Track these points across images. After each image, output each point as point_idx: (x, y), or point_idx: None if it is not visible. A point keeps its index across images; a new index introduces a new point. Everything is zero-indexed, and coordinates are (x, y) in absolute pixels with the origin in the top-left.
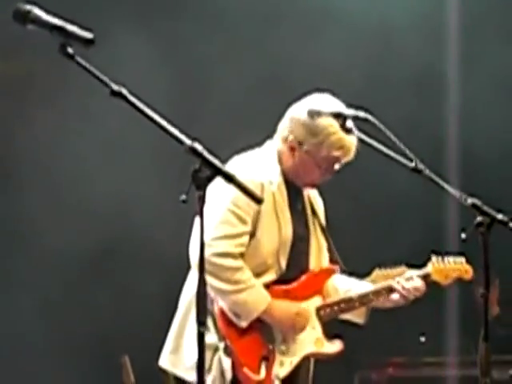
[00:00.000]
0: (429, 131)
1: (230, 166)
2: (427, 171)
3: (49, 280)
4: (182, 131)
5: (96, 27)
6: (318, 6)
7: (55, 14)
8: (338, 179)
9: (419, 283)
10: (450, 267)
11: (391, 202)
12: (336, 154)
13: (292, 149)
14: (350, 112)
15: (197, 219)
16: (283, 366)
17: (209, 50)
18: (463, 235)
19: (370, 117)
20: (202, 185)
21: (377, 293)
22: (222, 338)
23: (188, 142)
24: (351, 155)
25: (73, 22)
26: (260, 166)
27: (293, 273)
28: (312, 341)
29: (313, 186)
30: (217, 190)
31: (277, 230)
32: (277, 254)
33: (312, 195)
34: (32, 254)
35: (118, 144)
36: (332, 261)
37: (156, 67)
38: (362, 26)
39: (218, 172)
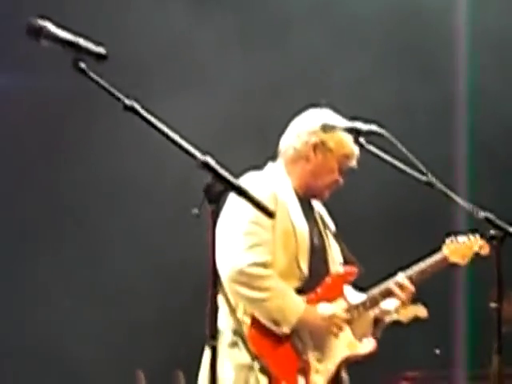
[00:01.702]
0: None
1: (242, 182)
2: (440, 185)
3: None
4: (194, 145)
5: None
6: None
7: (67, 29)
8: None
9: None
10: (465, 245)
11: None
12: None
13: (315, 148)
14: (364, 126)
15: (218, 233)
16: (319, 374)
17: None
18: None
19: (382, 131)
20: (214, 199)
21: (399, 284)
22: (255, 357)
23: (200, 156)
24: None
25: (86, 37)
26: (271, 179)
27: (314, 281)
28: (345, 344)
29: (329, 188)
30: (236, 203)
31: (293, 236)
32: (296, 260)
33: (319, 209)
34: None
35: None
36: (349, 264)
37: None
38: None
39: (231, 186)
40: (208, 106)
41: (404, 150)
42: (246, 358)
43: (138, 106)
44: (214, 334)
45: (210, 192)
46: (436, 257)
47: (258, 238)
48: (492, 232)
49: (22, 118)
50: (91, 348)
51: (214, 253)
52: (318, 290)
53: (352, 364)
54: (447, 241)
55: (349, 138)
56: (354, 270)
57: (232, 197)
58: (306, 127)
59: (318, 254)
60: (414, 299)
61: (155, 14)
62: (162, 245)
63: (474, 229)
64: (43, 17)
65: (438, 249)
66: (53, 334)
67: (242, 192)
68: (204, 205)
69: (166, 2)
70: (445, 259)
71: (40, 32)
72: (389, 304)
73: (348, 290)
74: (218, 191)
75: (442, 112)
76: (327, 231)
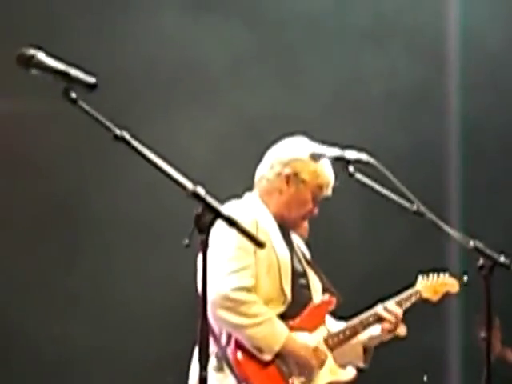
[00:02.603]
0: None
1: (229, 207)
2: (429, 214)
3: None
4: (184, 175)
5: None
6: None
7: (58, 58)
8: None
9: (397, 310)
10: (436, 283)
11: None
12: (325, 183)
13: (288, 180)
14: (352, 155)
15: (199, 261)
16: None
17: None
18: (465, 278)
19: (371, 160)
20: (204, 229)
21: (376, 315)
22: (241, 381)
23: (190, 186)
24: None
25: (76, 66)
26: (251, 208)
27: (297, 307)
28: (327, 370)
29: (304, 219)
30: (221, 229)
31: (276, 262)
32: (280, 285)
33: (297, 241)
34: None
35: None
36: (328, 292)
37: None
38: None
39: (220, 216)
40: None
41: (393, 179)
42: (232, 383)
43: (128, 137)
44: (206, 364)
45: (199, 222)
46: (410, 291)
47: (243, 263)
48: (481, 261)
49: None
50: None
51: (205, 282)
52: (301, 316)
53: None
54: (419, 277)
55: (324, 167)
56: (333, 299)
57: (218, 223)
58: (279, 158)
59: (299, 279)
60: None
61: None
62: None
63: (444, 268)
64: (34, 45)
65: (411, 285)
66: None
67: (232, 222)
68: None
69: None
70: (418, 294)
71: (30, 61)
72: (374, 330)
73: (327, 318)
74: (207, 221)
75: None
76: (306, 260)
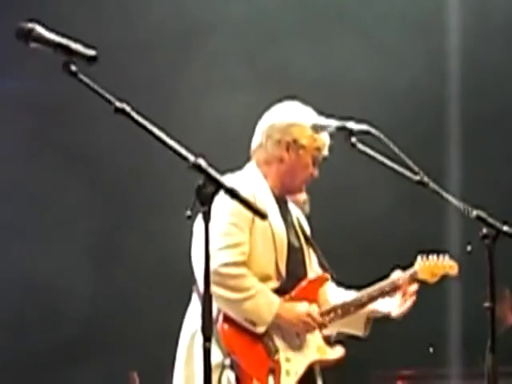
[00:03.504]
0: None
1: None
2: (432, 183)
3: None
4: (185, 147)
5: None
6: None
7: (57, 32)
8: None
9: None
10: (435, 264)
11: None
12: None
13: (288, 147)
14: (355, 126)
15: (195, 233)
16: (289, 376)
17: None
18: (469, 248)
19: (374, 130)
20: (206, 201)
21: (369, 295)
22: (226, 354)
23: (192, 158)
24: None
25: (75, 40)
26: (248, 181)
27: (291, 282)
28: (314, 349)
29: (306, 183)
30: (216, 204)
31: (271, 238)
32: (275, 261)
33: (296, 213)
34: None
35: None
36: (322, 268)
37: None
38: None
39: (223, 188)
40: None
41: (396, 149)
42: (218, 357)
43: (128, 109)
44: (209, 335)
45: (201, 194)
46: (407, 272)
47: (234, 239)
48: (484, 231)
49: None
50: None
51: (207, 253)
52: (293, 292)
53: (345, 363)
54: (418, 258)
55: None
56: (324, 276)
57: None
58: (276, 125)
59: (295, 255)
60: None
61: None
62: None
63: (444, 250)
64: (33, 20)
65: (409, 265)
66: None
67: (234, 194)
68: (196, 206)
69: None
70: (415, 275)
71: (29, 35)
72: (386, 305)
73: (333, 288)
74: (209, 193)
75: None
76: (303, 233)
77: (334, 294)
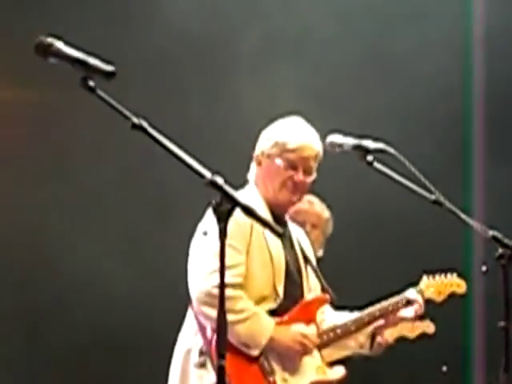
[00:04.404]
0: None
1: None
2: (448, 203)
3: None
4: (202, 164)
5: None
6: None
7: (76, 47)
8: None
9: (421, 300)
10: (442, 283)
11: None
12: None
13: (259, 162)
14: (371, 144)
15: (192, 253)
16: None
17: None
18: (484, 268)
19: (390, 149)
20: (222, 218)
21: (371, 315)
22: None
23: (208, 175)
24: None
25: (94, 55)
26: (247, 200)
27: (289, 303)
28: (313, 369)
29: (288, 191)
30: (209, 224)
31: (269, 258)
32: (273, 282)
33: (297, 234)
34: None
35: None
36: (323, 290)
37: None
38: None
39: (239, 205)
40: None
41: (412, 168)
42: (213, 379)
43: (146, 125)
44: (224, 352)
45: (218, 211)
46: (412, 291)
47: (230, 261)
48: (500, 251)
49: None
50: None
51: (222, 272)
52: (290, 313)
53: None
54: (424, 277)
55: (290, 132)
56: (324, 297)
57: (206, 216)
58: (260, 143)
59: (292, 276)
60: (422, 316)
61: None
62: None
63: (451, 268)
64: (52, 35)
65: (415, 283)
66: None
67: (249, 211)
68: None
69: None
70: (421, 293)
71: (48, 49)
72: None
73: (329, 311)
74: (225, 210)
75: None
76: (302, 253)
77: (334, 316)
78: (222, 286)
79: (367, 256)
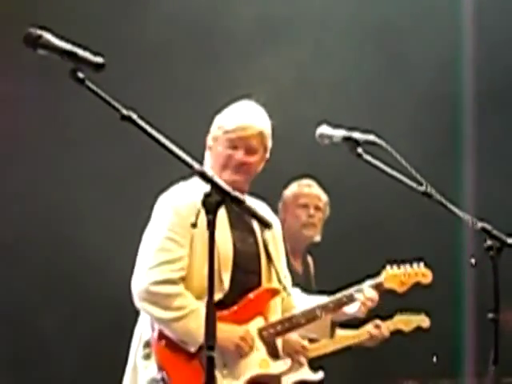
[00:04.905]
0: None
1: (167, 192)
2: (437, 195)
3: None
4: (190, 155)
5: None
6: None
7: (65, 39)
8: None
9: (372, 293)
10: (404, 273)
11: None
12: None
13: (209, 147)
14: (361, 136)
15: (141, 248)
16: None
17: None
18: (472, 261)
19: (380, 141)
20: (211, 209)
21: (324, 308)
22: (159, 369)
23: (197, 166)
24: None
25: (83, 47)
26: (198, 188)
27: (239, 293)
28: (257, 363)
29: (234, 171)
30: (153, 217)
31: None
32: (218, 273)
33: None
34: None
35: None
36: (279, 281)
37: None
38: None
39: (228, 197)
40: None
41: (402, 160)
42: (153, 372)
43: (135, 116)
44: (212, 344)
45: (207, 202)
46: (372, 281)
47: (170, 255)
48: (489, 242)
49: None
50: None
51: (212, 262)
52: (236, 307)
53: (349, 372)
54: (387, 267)
55: (229, 114)
56: (276, 289)
57: (155, 210)
58: (211, 128)
59: (245, 265)
60: (418, 309)
61: None
62: None
63: (418, 257)
64: (41, 27)
65: (377, 274)
66: None
67: (239, 203)
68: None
69: None
70: (380, 284)
71: (37, 41)
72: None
73: (301, 298)
74: (215, 202)
75: None
76: (264, 245)
77: (301, 301)
78: (212, 278)
79: (355, 246)
